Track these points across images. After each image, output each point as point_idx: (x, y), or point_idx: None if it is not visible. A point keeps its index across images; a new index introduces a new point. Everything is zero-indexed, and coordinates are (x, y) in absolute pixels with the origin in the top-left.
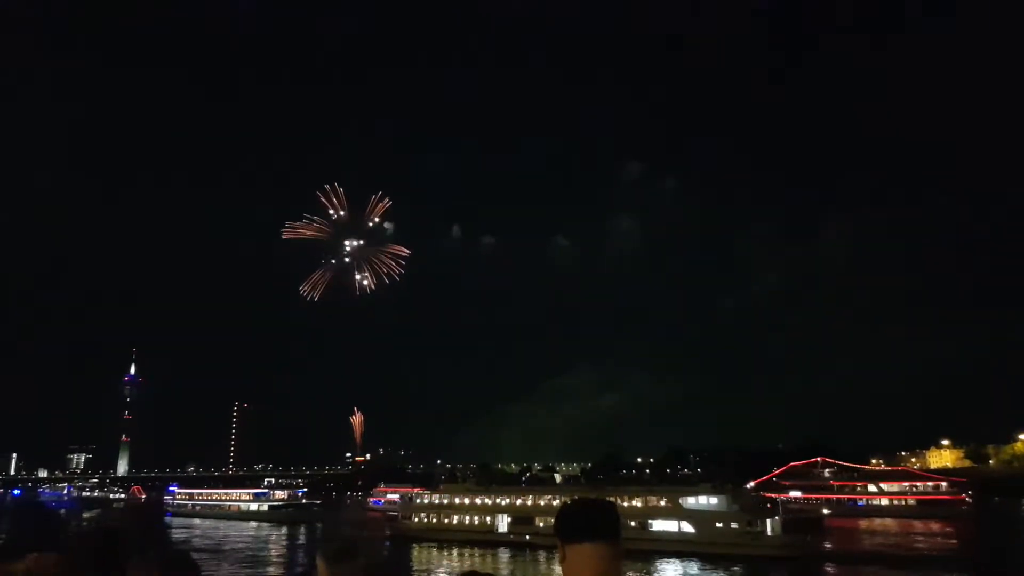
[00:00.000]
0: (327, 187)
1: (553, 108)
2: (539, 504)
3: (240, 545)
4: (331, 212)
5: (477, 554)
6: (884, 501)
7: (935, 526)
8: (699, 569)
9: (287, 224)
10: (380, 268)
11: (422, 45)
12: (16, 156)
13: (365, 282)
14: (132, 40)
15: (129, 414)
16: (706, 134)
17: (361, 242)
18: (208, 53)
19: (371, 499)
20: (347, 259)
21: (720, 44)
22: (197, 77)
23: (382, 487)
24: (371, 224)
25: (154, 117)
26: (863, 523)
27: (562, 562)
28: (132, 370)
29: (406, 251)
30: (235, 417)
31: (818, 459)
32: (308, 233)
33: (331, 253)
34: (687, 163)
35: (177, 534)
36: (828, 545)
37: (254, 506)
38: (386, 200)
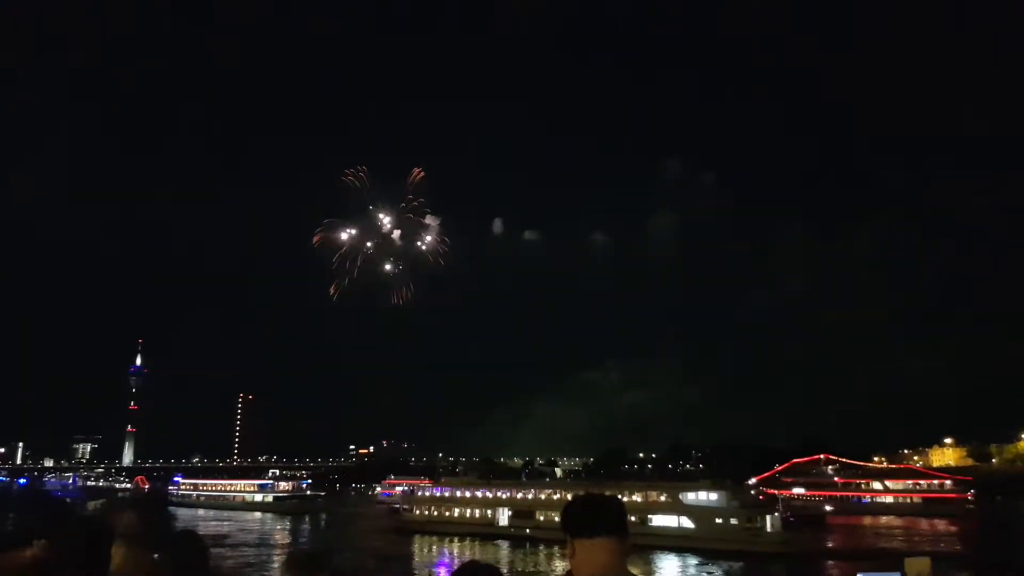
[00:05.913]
0: (355, 169)
1: (593, 105)
2: (539, 498)
3: (244, 535)
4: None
5: (478, 547)
6: (889, 499)
7: (941, 524)
8: (698, 564)
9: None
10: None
11: (462, 47)
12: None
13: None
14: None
15: (135, 404)
16: (746, 131)
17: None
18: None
19: (380, 491)
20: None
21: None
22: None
23: (391, 479)
24: (405, 205)
25: (159, 112)
26: (867, 520)
27: (571, 557)
28: (138, 360)
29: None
30: (240, 409)
31: (821, 456)
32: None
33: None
34: (725, 161)
35: (181, 525)
36: (830, 542)
37: (259, 497)
38: (420, 173)
